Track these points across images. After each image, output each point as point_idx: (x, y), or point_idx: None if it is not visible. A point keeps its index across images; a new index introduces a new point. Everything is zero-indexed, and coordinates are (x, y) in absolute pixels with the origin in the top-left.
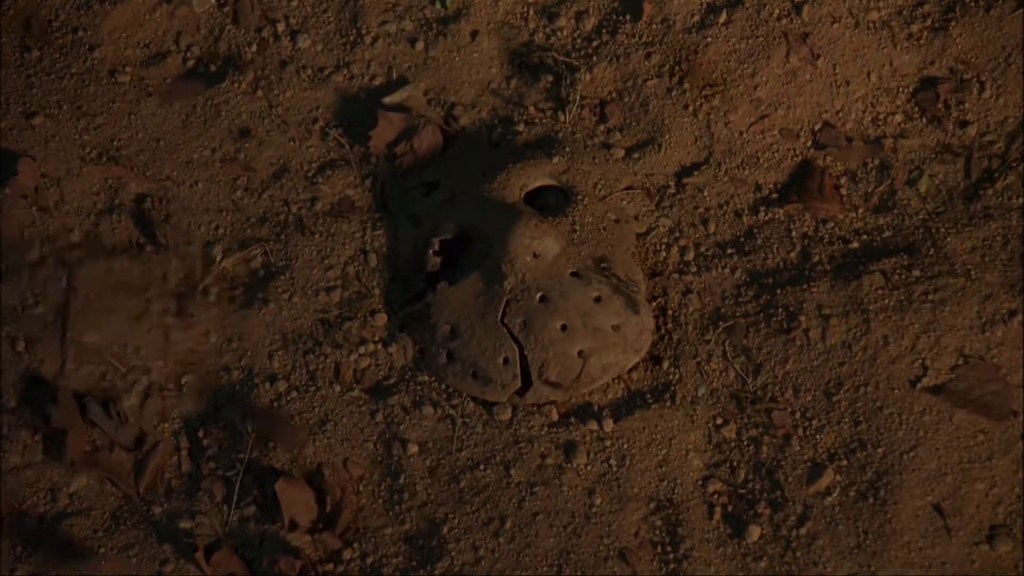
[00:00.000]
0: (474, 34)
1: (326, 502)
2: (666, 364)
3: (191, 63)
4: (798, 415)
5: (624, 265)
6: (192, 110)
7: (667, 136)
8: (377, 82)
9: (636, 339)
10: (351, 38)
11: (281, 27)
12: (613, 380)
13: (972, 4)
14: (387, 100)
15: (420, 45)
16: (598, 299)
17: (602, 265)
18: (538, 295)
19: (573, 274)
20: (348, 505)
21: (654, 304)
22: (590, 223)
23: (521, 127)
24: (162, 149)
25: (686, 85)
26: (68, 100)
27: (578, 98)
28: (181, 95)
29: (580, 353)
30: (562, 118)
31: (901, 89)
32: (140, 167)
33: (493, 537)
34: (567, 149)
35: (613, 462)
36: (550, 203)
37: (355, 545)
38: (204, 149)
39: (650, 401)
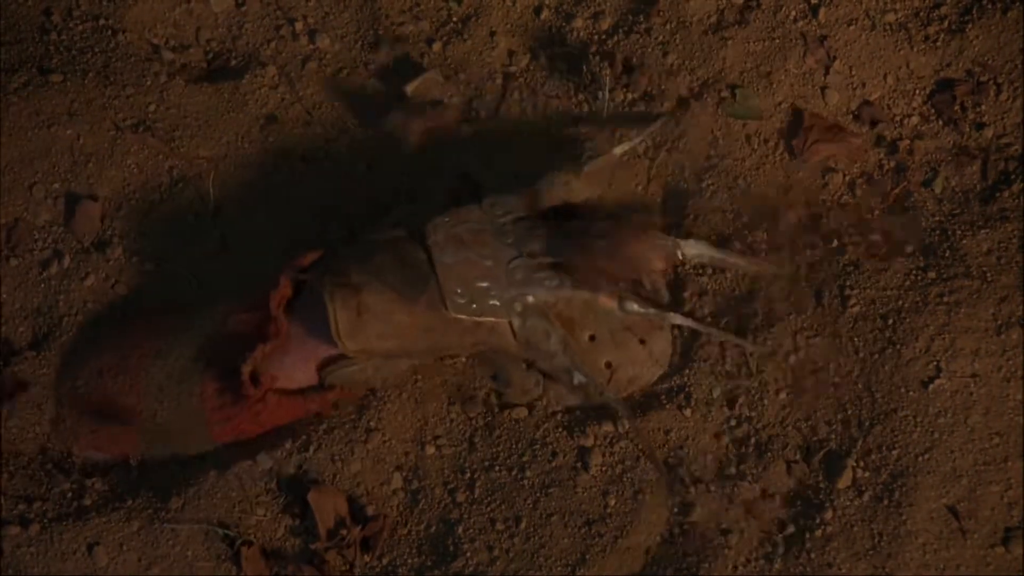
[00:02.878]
0: (492, 34)
1: (363, 524)
2: (681, 366)
3: (211, 57)
4: None
5: (651, 277)
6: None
7: (683, 138)
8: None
9: (661, 354)
10: (369, 39)
11: (300, 26)
12: None
13: (989, 6)
14: (409, 89)
15: (438, 46)
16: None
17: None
18: None
19: None
20: (388, 528)
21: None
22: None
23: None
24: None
25: (702, 86)
26: (94, 70)
27: (606, 98)
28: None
29: (608, 365)
30: (586, 116)
31: (917, 91)
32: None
33: (508, 537)
34: (587, 150)
35: (628, 463)
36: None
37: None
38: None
39: (665, 402)
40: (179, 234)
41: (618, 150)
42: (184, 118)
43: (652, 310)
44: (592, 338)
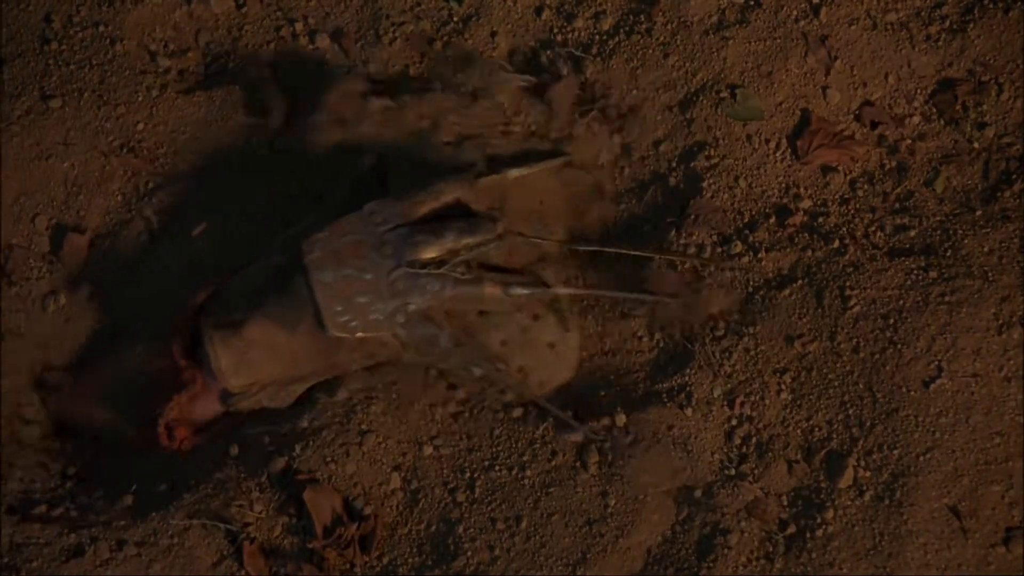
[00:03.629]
0: (493, 34)
1: (359, 523)
2: (682, 364)
3: (210, 60)
4: None
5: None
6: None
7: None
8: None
9: (569, 356)
10: (369, 39)
11: (300, 26)
12: (632, 379)
13: (991, 6)
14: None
15: (438, 45)
16: (536, 316)
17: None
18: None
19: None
20: (382, 526)
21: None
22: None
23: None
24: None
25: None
26: (90, 88)
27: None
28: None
29: (520, 369)
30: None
31: (919, 91)
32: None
33: (509, 537)
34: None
35: (628, 462)
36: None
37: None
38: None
39: (665, 401)
40: (128, 263)
41: (513, 172)
42: (171, 133)
43: (538, 289)
44: (504, 343)
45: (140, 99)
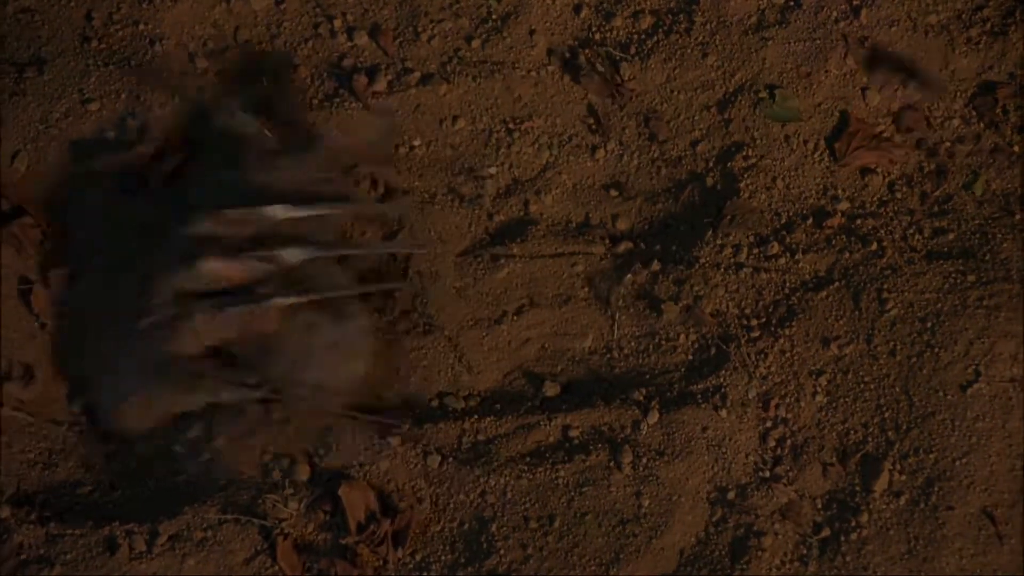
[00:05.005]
0: (531, 32)
1: (394, 518)
2: (717, 366)
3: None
4: None
5: (326, 278)
6: None
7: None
8: (432, 79)
9: (354, 346)
10: (408, 36)
11: (338, 23)
12: (667, 379)
13: None
14: None
15: (476, 43)
16: (310, 326)
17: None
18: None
19: None
20: (416, 523)
21: (709, 306)
22: None
23: None
24: None
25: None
26: (126, 91)
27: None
28: None
29: (317, 384)
30: None
31: (959, 93)
32: None
33: (542, 536)
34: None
35: (662, 463)
36: None
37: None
38: None
39: (700, 402)
40: None
41: (280, 212)
42: None
43: (252, 304)
44: (294, 364)
45: (176, 103)
